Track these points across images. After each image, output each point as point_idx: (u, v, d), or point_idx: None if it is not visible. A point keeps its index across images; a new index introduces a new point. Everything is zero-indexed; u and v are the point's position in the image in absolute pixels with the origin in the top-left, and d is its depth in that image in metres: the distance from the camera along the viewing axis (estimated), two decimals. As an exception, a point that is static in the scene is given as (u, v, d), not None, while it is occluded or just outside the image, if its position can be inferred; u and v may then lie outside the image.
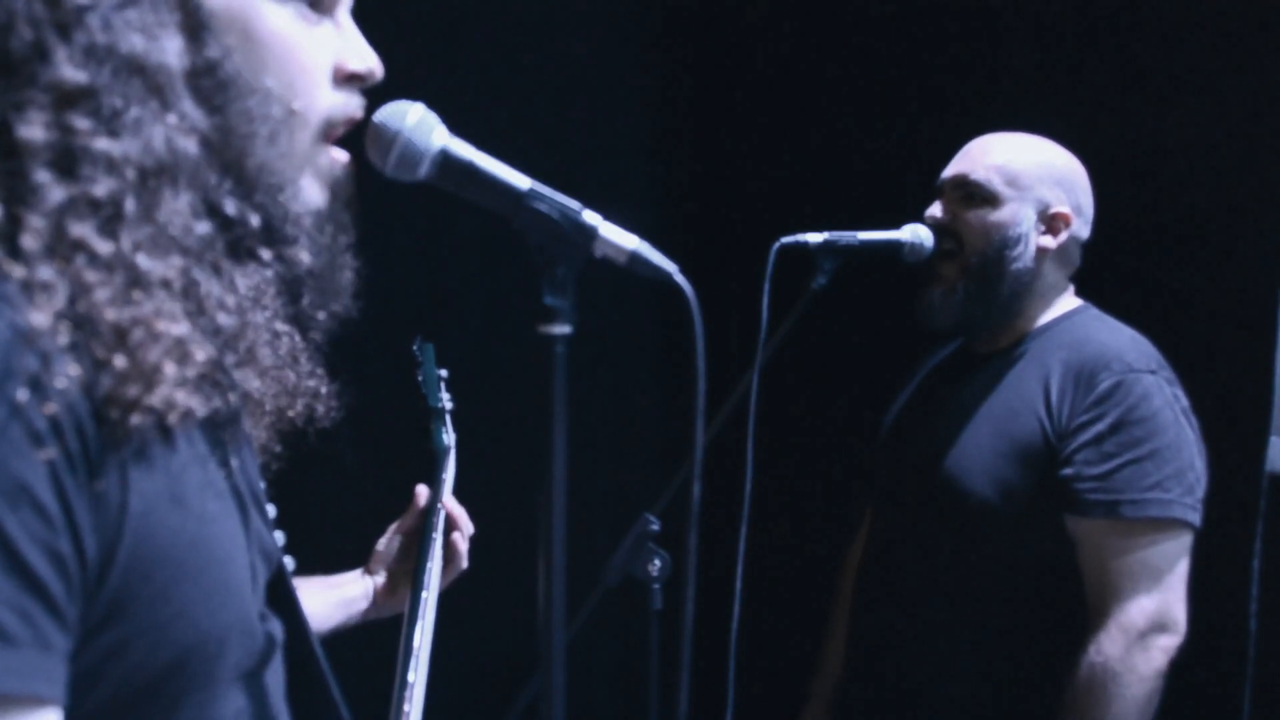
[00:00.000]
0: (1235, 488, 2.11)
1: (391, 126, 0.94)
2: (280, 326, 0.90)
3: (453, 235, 2.46)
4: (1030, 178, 1.87)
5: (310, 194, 0.85)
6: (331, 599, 1.47)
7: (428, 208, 2.23)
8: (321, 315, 0.91)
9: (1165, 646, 1.71)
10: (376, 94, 0.96)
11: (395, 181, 0.96)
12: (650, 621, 1.61)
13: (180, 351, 0.71)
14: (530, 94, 2.63)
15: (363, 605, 1.52)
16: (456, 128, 0.96)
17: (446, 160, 0.95)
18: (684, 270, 0.95)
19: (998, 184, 1.87)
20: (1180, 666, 1.73)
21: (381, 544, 1.56)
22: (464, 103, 1.35)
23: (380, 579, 1.54)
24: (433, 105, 0.95)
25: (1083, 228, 1.91)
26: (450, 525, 1.56)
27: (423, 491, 1.58)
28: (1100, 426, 1.73)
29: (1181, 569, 1.73)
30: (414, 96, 0.96)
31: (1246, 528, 2.14)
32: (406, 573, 1.53)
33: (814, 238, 1.85)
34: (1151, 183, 2.29)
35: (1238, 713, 2.16)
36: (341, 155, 0.88)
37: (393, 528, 1.57)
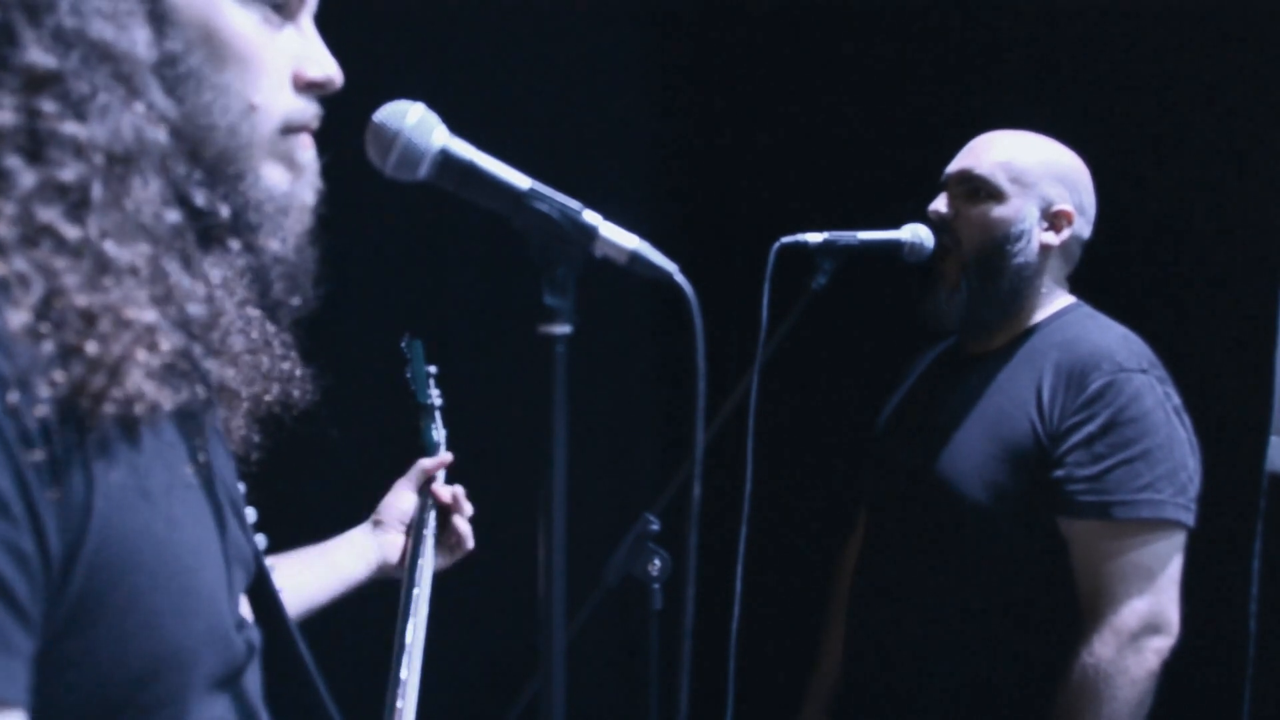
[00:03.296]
0: (1235, 488, 2.11)
1: (392, 126, 0.94)
2: (251, 312, 0.89)
3: (453, 235, 2.46)
4: (1034, 175, 1.87)
5: (271, 179, 0.84)
6: (320, 568, 1.43)
7: (428, 208, 2.23)
8: (293, 302, 0.90)
9: (1158, 648, 1.70)
10: (376, 94, 0.97)
11: (395, 181, 0.96)
12: (650, 621, 1.61)
13: (149, 340, 0.71)
14: (530, 94, 2.63)
15: (361, 573, 1.48)
16: (456, 128, 0.96)
17: (447, 160, 0.95)
18: (684, 270, 0.95)
19: (1002, 180, 1.87)
20: (1180, 666, 1.73)
21: (393, 499, 1.53)
22: (464, 103, 1.35)
23: (394, 535, 1.51)
24: (433, 105, 0.95)
25: (1084, 226, 1.91)
26: (448, 510, 1.55)
27: (428, 463, 1.57)
28: (1091, 427, 1.73)
29: (1174, 570, 1.73)
30: (414, 96, 0.95)
31: (1246, 528, 2.14)
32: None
33: (814, 238, 1.86)
34: (1151, 183, 2.28)
35: (1238, 713, 2.16)
36: (304, 141, 0.87)
37: (401, 483, 1.55)
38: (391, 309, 2.24)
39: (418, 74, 2.26)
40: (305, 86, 0.85)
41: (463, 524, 1.56)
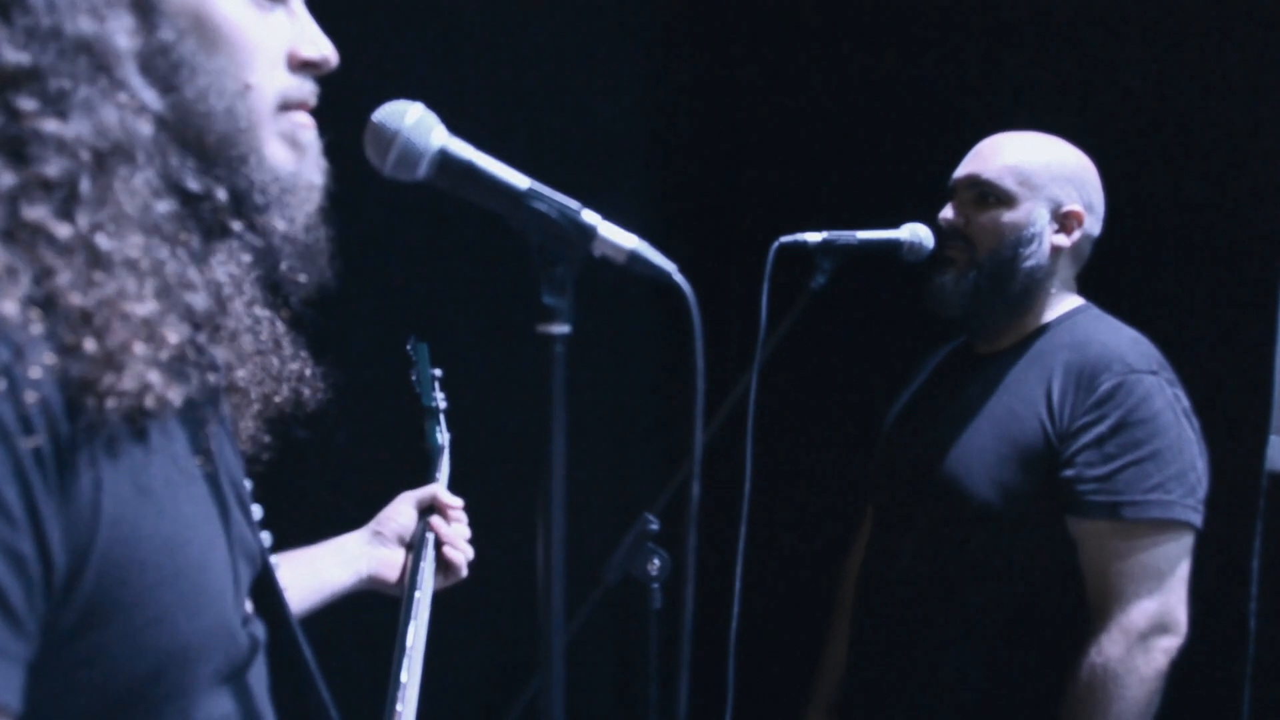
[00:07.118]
0: (1235, 488, 2.11)
1: (390, 126, 0.93)
2: (260, 312, 0.89)
3: (453, 235, 2.45)
4: (1043, 177, 1.87)
5: (275, 159, 0.84)
6: (306, 576, 1.36)
7: (428, 207, 2.23)
8: (302, 279, 0.90)
9: (1166, 648, 1.71)
10: (376, 94, 0.96)
11: (395, 181, 0.96)
12: (650, 621, 1.61)
13: (149, 331, 0.70)
14: (530, 94, 2.63)
15: (346, 581, 1.42)
16: (456, 128, 0.96)
17: (446, 160, 0.94)
18: (684, 270, 0.95)
19: (1011, 184, 1.86)
20: (1180, 666, 1.73)
21: (394, 512, 1.50)
22: (464, 103, 1.35)
23: (391, 550, 1.47)
24: (432, 105, 0.95)
25: (1094, 224, 1.91)
26: (440, 541, 1.51)
27: (437, 496, 1.55)
28: (1101, 428, 1.73)
29: (1183, 570, 1.73)
30: (414, 96, 0.95)
31: (1246, 528, 2.14)
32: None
33: (813, 237, 1.86)
34: (1151, 182, 2.28)
35: (1238, 713, 2.16)
36: (304, 119, 0.87)
37: (405, 496, 1.52)
38: (390, 308, 2.24)
39: (418, 74, 2.27)
40: (300, 66, 0.86)
41: (457, 556, 1.52)
